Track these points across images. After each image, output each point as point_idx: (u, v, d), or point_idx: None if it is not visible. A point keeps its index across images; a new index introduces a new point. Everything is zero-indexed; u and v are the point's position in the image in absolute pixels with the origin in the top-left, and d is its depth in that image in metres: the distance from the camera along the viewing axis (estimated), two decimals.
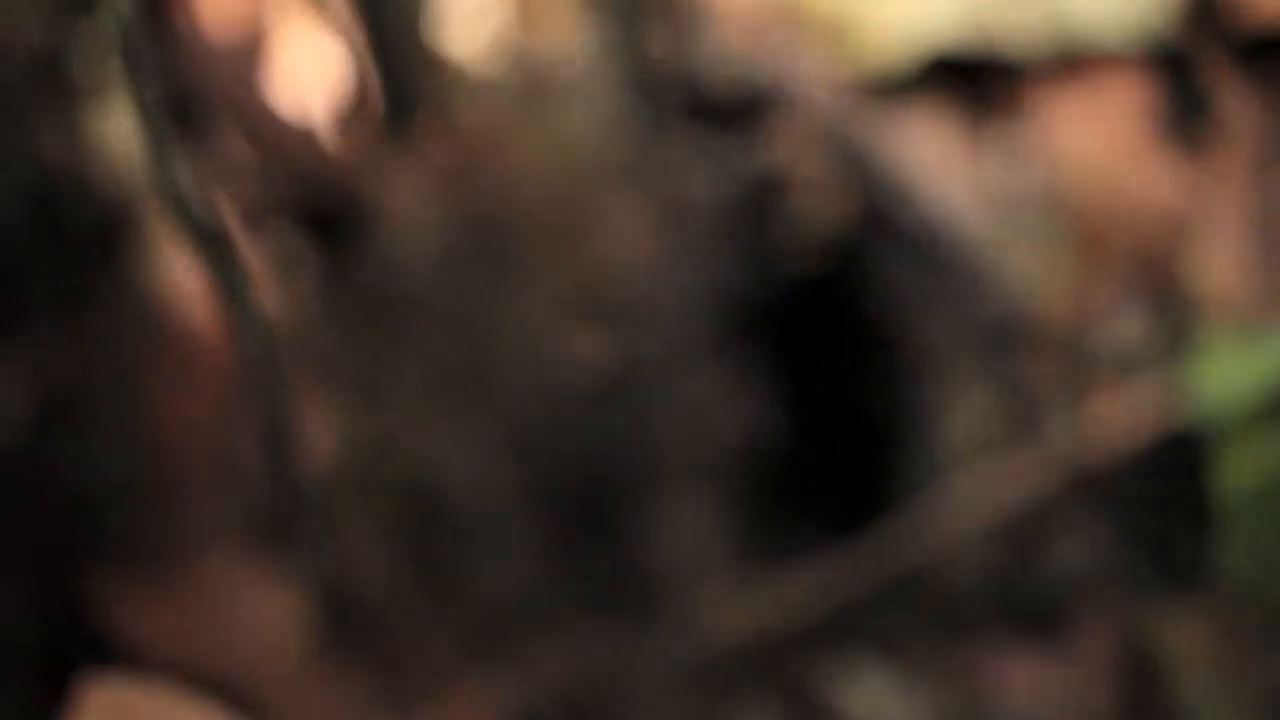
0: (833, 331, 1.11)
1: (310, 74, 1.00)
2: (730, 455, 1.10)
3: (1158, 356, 1.04)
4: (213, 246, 0.55)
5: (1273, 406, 0.91)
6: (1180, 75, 1.07)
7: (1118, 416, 1.02)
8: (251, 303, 0.57)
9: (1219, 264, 1.04)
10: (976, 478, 1.05)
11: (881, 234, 1.08)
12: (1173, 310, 1.04)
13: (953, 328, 1.09)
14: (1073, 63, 1.08)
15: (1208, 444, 1.00)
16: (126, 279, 1.00)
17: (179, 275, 1.03)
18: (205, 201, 0.55)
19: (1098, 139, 1.08)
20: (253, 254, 1.02)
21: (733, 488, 1.10)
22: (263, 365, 0.60)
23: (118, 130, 0.95)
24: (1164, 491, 1.01)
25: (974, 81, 1.08)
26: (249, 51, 1.07)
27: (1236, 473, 0.93)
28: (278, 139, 1.02)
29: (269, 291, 1.01)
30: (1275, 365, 0.98)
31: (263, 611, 0.88)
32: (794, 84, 1.04)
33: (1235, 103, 1.06)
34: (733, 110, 1.05)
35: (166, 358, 1.02)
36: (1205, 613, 0.96)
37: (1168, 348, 1.04)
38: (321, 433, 0.94)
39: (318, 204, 0.98)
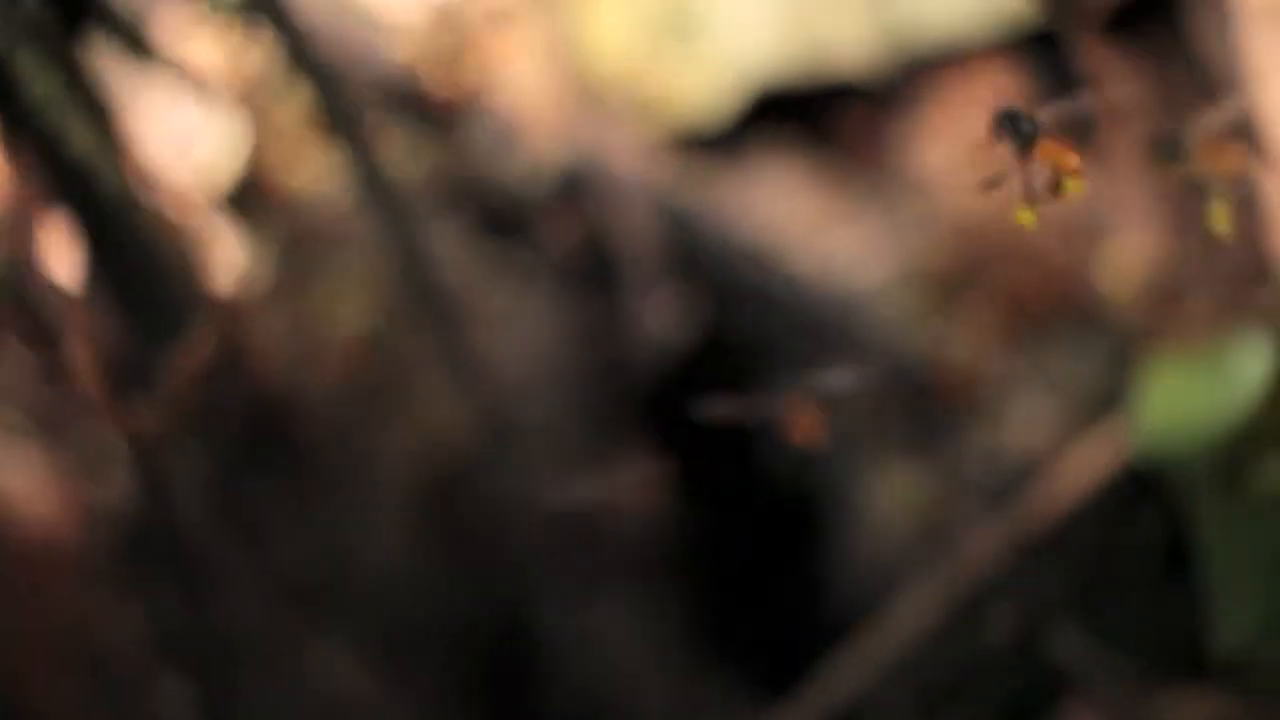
0: (716, 433, 0.95)
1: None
2: (629, 593, 0.95)
3: (1094, 396, 0.88)
4: None
5: (1240, 440, 0.75)
6: (1049, 61, 0.92)
7: (1064, 474, 0.87)
8: None
9: (1140, 271, 0.89)
10: (915, 570, 0.90)
11: (743, 307, 0.92)
12: (1100, 336, 0.89)
13: (850, 400, 0.93)
14: (926, 70, 0.93)
15: (1172, 494, 0.85)
16: None
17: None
18: None
19: (969, 150, 0.92)
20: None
21: (643, 629, 0.95)
22: None
23: None
24: (1133, 556, 0.85)
25: (816, 115, 0.93)
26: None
27: (1215, 528, 0.78)
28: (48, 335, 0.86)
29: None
30: (1232, 389, 0.82)
31: None
32: (607, 163, 0.88)
33: (1117, 80, 0.90)
34: (545, 209, 0.89)
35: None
36: (1203, 694, 0.81)
37: (1103, 383, 0.88)
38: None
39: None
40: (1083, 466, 0.88)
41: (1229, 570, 0.78)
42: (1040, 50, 0.92)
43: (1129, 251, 0.88)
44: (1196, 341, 0.85)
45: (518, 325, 0.91)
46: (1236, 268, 0.86)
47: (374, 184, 0.77)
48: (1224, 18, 0.88)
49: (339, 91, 0.74)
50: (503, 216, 0.89)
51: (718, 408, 0.98)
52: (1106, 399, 0.88)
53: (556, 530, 0.95)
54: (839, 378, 0.92)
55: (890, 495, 0.93)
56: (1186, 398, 0.82)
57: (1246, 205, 0.88)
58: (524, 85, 0.87)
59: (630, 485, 0.96)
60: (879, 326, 0.91)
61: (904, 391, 0.91)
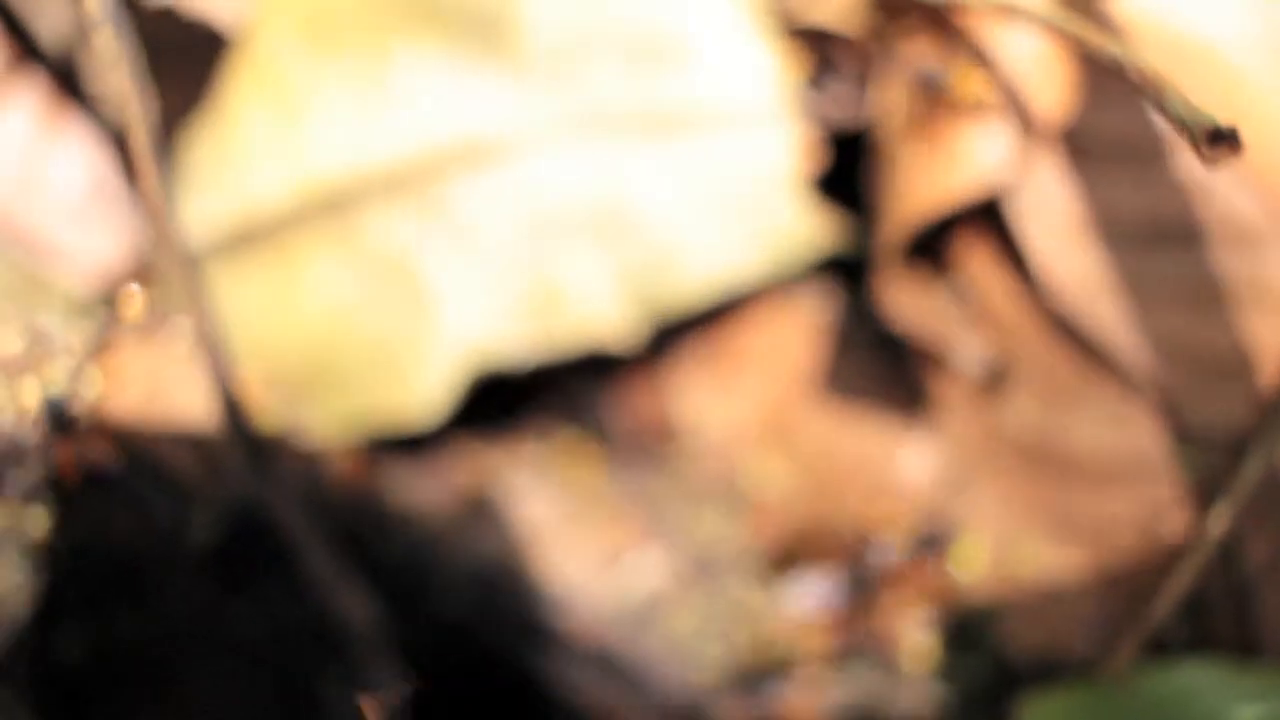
0: None
1: None
2: None
3: None
4: None
5: None
6: (849, 306, 0.72)
7: None
8: None
9: (994, 554, 0.69)
10: None
11: (492, 633, 0.71)
12: (957, 643, 0.69)
13: None
14: (697, 324, 0.73)
15: None
16: None
17: None
18: None
19: (758, 414, 0.72)
20: None
21: None
22: None
23: None
24: None
25: (570, 393, 0.72)
26: None
27: None
28: None
29: None
30: None
31: None
32: (290, 494, 0.66)
33: (922, 315, 0.71)
34: (236, 561, 0.67)
35: None
36: None
37: (959, 711, 0.68)
38: None
39: None
40: None
41: None
42: (832, 285, 0.73)
43: (984, 544, 0.69)
44: (1086, 673, 0.66)
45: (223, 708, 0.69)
46: (1123, 556, 0.67)
47: None
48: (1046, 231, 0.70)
49: None
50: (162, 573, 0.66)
51: None
52: None
53: None
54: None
55: None
56: None
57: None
58: (176, 404, 0.65)
59: None
60: (669, 644, 0.71)
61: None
